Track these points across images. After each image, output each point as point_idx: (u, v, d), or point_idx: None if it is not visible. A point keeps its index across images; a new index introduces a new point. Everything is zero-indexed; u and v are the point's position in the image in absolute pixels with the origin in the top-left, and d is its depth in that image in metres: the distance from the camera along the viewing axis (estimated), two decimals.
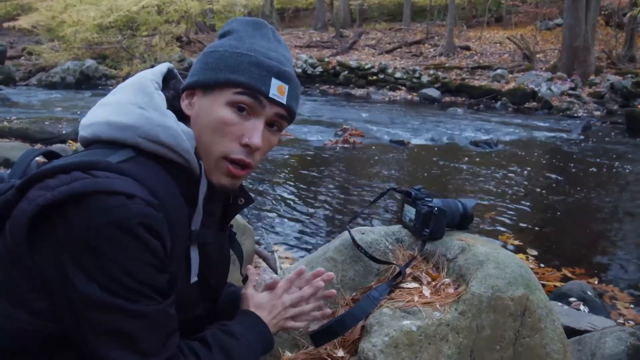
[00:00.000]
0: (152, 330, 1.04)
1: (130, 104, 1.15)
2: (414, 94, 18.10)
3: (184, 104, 1.22)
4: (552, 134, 11.39)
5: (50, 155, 1.26)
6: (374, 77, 19.64)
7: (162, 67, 1.28)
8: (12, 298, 1.03)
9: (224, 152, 1.17)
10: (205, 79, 1.18)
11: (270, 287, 1.44)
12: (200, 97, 1.19)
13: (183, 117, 1.20)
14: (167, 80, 1.29)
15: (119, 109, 1.15)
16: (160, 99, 1.17)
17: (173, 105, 1.22)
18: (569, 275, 4.13)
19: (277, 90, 1.18)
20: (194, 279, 1.19)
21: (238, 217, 3.24)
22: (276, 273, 3.63)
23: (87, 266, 0.98)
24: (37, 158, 1.27)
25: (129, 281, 0.99)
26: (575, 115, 14.35)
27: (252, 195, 1.39)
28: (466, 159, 8.76)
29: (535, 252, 4.56)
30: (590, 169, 8.31)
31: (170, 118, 1.15)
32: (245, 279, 1.52)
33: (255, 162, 1.21)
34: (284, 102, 1.20)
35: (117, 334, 1.00)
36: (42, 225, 1.00)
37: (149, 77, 1.21)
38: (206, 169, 1.18)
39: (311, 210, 5.77)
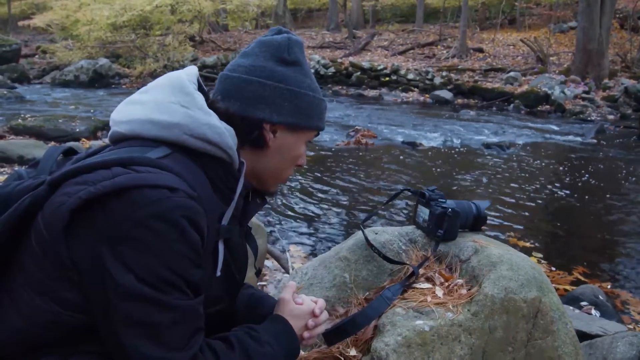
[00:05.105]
0: (179, 325, 1.06)
1: (172, 102, 1.19)
2: (427, 95, 17.99)
3: (268, 136, 1.30)
4: (565, 138, 11.31)
5: (68, 152, 1.30)
6: (387, 79, 19.55)
7: (194, 70, 1.32)
8: (41, 288, 1.06)
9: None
10: (299, 122, 1.32)
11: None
12: (285, 132, 1.31)
13: None
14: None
15: (160, 108, 1.18)
16: (201, 98, 1.22)
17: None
18: (581, 279, 4.12)
19: None
20: (219, 272, 1.21)
21: None
22: (288, 273, 3.63)
23: (125, 256, 1.01)
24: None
25: (165, 272, 1.02)
26: (589, 119, 14.22)
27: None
28: (478, 161, 8.74)
29: (546, 255, 4.54)
30: (603, 173, 8.26)
31: (214, 117, 1.20)
32: (258, 272, 1.55)
33: None
34: None
35: (146, 324, 1.03)
36: (81, 218, 1.03)
37: (185, 77, 1.24)
38: (260, 183, 1.36)
39: (324, 210, 5.78)
